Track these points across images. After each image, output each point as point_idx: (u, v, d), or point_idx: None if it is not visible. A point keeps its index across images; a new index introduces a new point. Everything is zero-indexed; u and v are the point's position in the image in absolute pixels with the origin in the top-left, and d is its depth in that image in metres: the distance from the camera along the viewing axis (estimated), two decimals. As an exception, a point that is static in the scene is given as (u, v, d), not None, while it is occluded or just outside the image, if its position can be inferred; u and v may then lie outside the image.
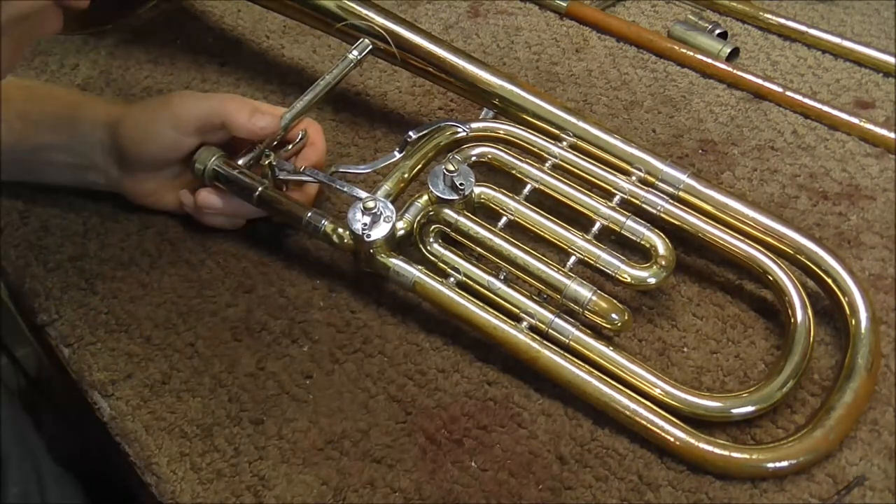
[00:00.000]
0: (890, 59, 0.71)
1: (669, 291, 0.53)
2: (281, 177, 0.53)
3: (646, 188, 0.52)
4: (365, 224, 0.48)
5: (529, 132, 0.55)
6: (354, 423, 0.47)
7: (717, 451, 0.44)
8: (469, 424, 0.47)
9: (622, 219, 0.50)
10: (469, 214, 0.50)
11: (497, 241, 0.49)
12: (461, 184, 0.50)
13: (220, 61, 0.72)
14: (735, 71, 0.69)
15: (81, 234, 0.57)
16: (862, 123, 0.64)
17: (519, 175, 0.53)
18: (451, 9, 0.78)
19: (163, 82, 0.69)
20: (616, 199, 0.52)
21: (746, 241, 0.51)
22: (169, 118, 0.52)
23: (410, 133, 0.54)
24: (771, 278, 0.50)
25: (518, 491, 0.44)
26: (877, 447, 0.46)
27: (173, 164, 0.55)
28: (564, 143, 0.55)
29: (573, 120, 0.56)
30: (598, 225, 0.51)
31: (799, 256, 0.50)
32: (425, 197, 0.51)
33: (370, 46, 0.59)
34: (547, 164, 0.54)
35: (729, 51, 0.71)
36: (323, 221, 0.51)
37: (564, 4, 0.77)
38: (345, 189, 0.52)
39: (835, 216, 0.58)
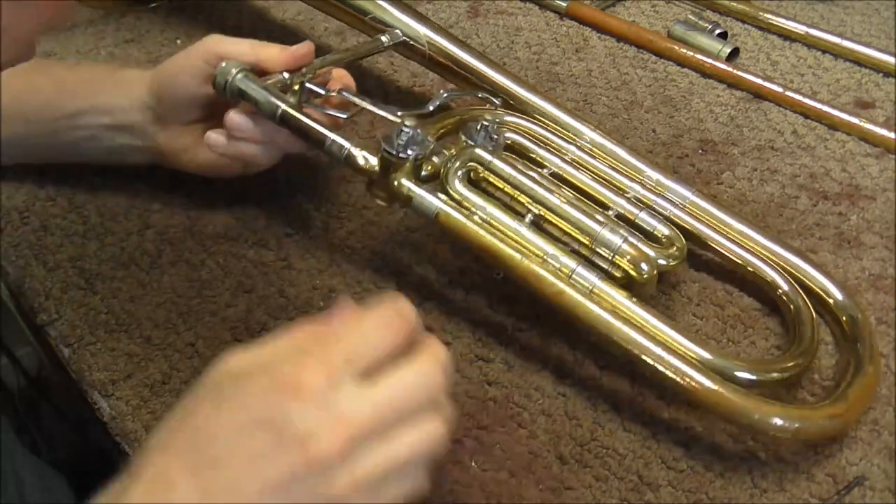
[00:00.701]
0: (890, 59, 0.71)
1: (669, 291, 0.53)
2: (313, 101, 0.53)
3: (655, 192, 0.54)
4: (400, 145, 0.47)
5: (550, 131, 0.56)
6: (354, 423, 0.47)
7: (743, 402, 0.43)
8: (469, 424, 0.47)
9: (636, 210, 0.51)
10: (502, 155, 0.50)
11: (530, 183, 0.49)
12: (495, 136, 0.50)
13: (220, 61, 0.71)
14: (735, 71, 0.69)
15: (81, 234, 0.57)
16: (862, 123, 0.64)
17: (539, 159, 0.54)
18: (451, 9, 0.78)
19: (163, 82, 0.69)
20: (629, 195, 0.53)
21: (749, 250, 0.52)
22: (202, 53, 0.53)
23: (442, 92, 0.54)
24: (769, 280, 0.50)
25: (518, 491, 0.44)
26: (877, 447, 0.46)
27: (206, 113, 0.55)
28: (580, 146, 0.56)
29: (586, 130, 0.57)
30: (613, 212, 0.51)
31: (796, 273, 0.51)
32: (453, 149, 0.51)
33: (401, 38, 0.59)
34: (566, 157, 0.55)
35: (729, 51, 0.72)
36: (347, 143, 0.50)
37: (564, 4, 0.77)
38: (382, 111, 0.51)
39: (835, 216, 0.58)
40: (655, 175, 0.55)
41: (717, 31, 0.74)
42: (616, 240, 0.47)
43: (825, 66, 0.72)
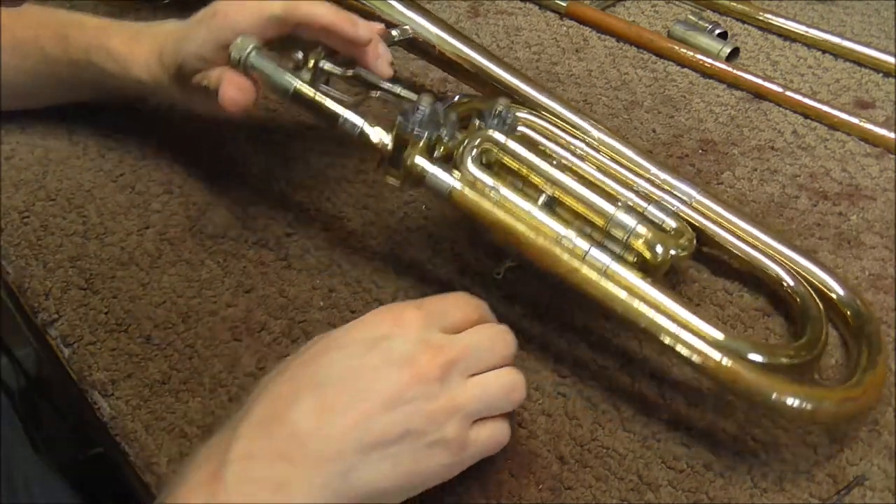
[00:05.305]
0: (890, 59, 0.71)
1: (669, 291, 0.53)
2: (333, 70, 0.51)
3: (662, 189, 0.54)
4: (416, 122, 0.47)
5: (558, 126, 0.56)
6: (354, 423, 0.47)
7: (760, 380, 0.42)
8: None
9: (644, 203, 0.51)
10: (517, 137, 0.50)
11: (545, 165, 0.49)
12: (509, 120, 0.50)
13: (220, 61, 0.71)
14: (735, 71, 0.69)
15: (81, 234, 0.57)
16: (862, 123, 0.64)
17: (549, 152, 0.53)
18: (451, 9, 0.78)
19: (163, 82, 0.69)
20: (637, 189, 0.53)
21: (754, 246, 0.52)
22: (217, 33, 0.51)
23: (457, 97, 0.53)
24: (774, 276, 0.51)
25: (518, 491, 0.44)
26: (877, 447, 0.46)
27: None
28: (587, 141, 0.56)
29: (592, 129, 0.57)
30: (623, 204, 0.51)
31: (800, 270, 0.51)
32: (466, 133, 0.51)
33: (411, 34, 0.59)
34: (575, 151, 0.54)
35: (729, 51, 0.72)
36: (360, 121, 0.49)
37: (564, 4, 0.77)
38: (401, 91, 0.51)
39: (835, 216, 0.58)
40: (661, 174, 0.55)
41: (717, 31, 0.74)
42: (631, 221, 0.47)
43: (825, 66, 0.72)
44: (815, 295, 0.50)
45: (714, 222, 0.53)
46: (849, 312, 0.50)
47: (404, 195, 0.59)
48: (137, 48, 0.55)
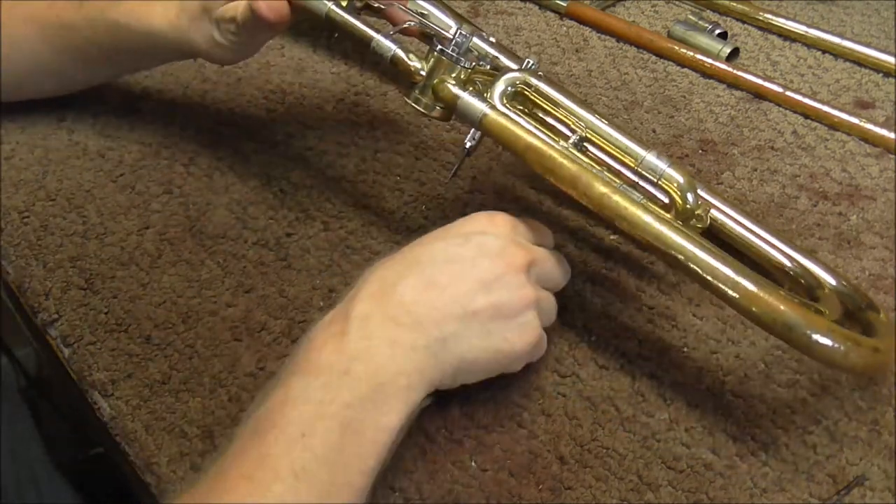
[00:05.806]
0: (890, 59, 0.71)
1: (669, 291, 0.53)
2: (369, 2, 0.52)
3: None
4: (456, 47, 0.47)
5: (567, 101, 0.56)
6: (354, 423, 0.47)
7: (796, 314, 0.41)
8: (469, 424, 0.47)
9: (661, 166, 0.50)
10: (549, 80, 0.50)
11: (578, 107, 0.49)
12: (541, 73, 0.50)
13: (220, 61, 0.71)
14: (735, 71, 0.69)
15: (81, 234, 0.57)
16: (862, 123, 0.64)
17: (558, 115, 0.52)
18: (451, 9, 0.78)
19: (162, 82, 0.69)
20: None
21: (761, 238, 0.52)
22: None
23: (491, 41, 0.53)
24: (778, 264, 0.50)
25: (518, 491, 0.44)
26: (877, 447, 0.46)
27: None
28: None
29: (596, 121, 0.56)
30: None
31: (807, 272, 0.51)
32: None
33: (429, 24, 0.59)
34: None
35: (729, 51, 0.72)
36: (393, 45, 0.49)
37: (564, 4, 0.77)
38: (439, 27, 0.51)
39: (835, 216, 0.58)
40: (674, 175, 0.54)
41: (717, 31, 0.74)
42: (662, 164, 0.47)
43: (825, 66, 0.72)
44: (822, 279, 0.49)
45: (719, 212, 0.52)
46: (847, 299, 0.49)
47: (404, 196, 0.59)
48: None
